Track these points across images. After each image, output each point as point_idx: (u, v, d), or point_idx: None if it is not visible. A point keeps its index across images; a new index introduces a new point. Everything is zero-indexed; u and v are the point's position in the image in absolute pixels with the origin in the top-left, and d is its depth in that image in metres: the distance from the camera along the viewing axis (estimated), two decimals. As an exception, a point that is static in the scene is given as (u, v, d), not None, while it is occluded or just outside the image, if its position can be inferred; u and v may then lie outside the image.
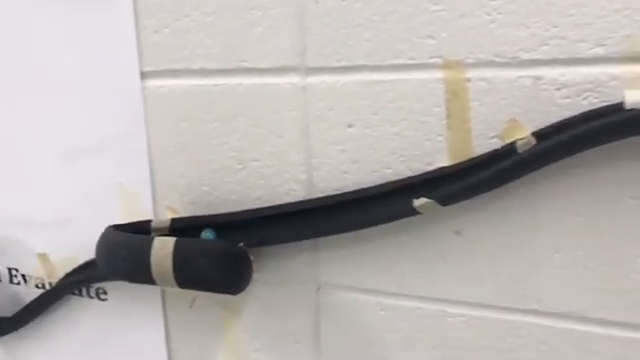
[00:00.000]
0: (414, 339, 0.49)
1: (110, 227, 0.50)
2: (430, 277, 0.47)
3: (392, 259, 0.47)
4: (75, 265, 0.62)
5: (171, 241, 0.44)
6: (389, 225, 0.46)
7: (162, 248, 0.43)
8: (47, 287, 0.64)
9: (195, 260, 0.43)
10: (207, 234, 0.53)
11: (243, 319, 0.55)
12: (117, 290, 0.61)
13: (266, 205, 0.51)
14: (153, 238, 0.45)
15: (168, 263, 0.42)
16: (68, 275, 0.61)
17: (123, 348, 0.62)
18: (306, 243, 0.51)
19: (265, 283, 0.52)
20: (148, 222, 0.53)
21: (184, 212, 0.55)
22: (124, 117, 0.56)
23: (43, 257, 0.64)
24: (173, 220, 0.53)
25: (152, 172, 0.55)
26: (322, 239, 0.50)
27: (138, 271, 0.43)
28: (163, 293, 0.58)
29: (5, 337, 0.67)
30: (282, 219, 0.49)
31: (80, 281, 0.60)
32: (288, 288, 0.52)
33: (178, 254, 0.43)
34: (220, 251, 0.44)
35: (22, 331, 0.66)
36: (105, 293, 0.61)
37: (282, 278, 0.52)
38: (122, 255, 0.44)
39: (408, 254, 0.47)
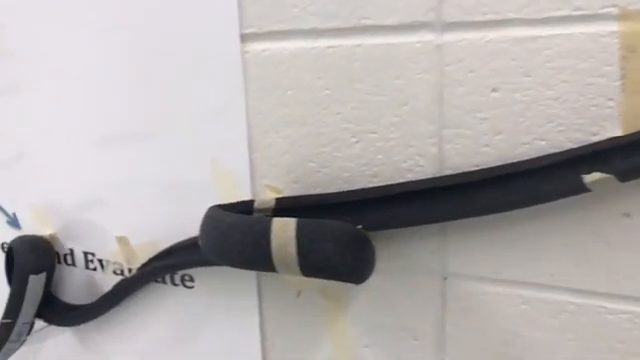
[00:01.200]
0: (564, 339, 0.42)
1: (215, 207, 0.44)
2: (589, 266, 0.40)
3: (542, 245, 0.41)
4: (157, 250, 0.57)
5: (292, 223, 0.38)
6: (538, 207, 0.40)
7: (283, 230, 0.37)
8: (126, 273, 0.60)
9: (322, 244, 0.37)
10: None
11: (351, 311, 0.49)
12: (205, 276, 0.56)
13: (384, 184, 0.45)
14: (271, 219, 0.39)
15: (291, 248, 0.37)
16: (151, 260, 0.57)
17: (211, 340, 0.57)
18: (432, 227, 0.44)
19: (381, 272, 0.46)
20: (250, 202, 0.47)
21: (287, 192, 0.49)
22: (220, 86, 0.50)
23: (123, 241, 0.59)
24: (278, 200, 0.47)
25: (251, 147, 0.50)
26: (451, 223, 0.44)
27: (257, 256, 0.38)
28: (259, 280, 0.53)
29: (80, 326, 0.63)
30: (406, 199, 0.43)
31: (165, 267, 0.55)
32: (408, 278, 0.46)
33: (303, 237, 0.37)
34: (349, 234, 0.38)
35: (99, 320, 0.62)
36: (192, 280, 0.56)
37: (401, 266, 0.46)
38: (237, 239, 0.38)
39: (564, 240, 0.40)
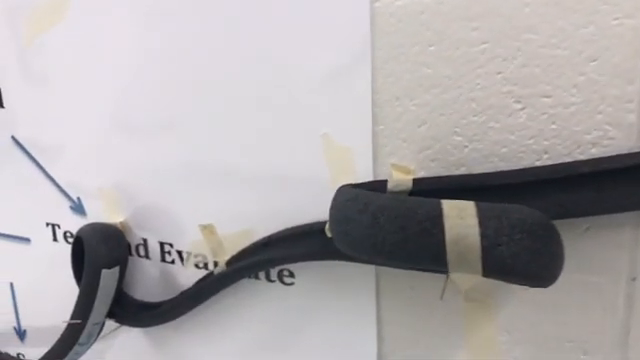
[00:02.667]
0: None
1: (348, 187, 0.36)
2: None
3: None
4: (250, 241, 0.49)
5: (470, 207, 0.29)
6: None
7: (460, 215, 0.29)
8: (211, 267, 0.52)
9: (511, 236, 0.28)
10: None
11: (499, 316, 0.41)
12: (308, 272, 0.47)
13: (556, 162, 0.36)
14: (439, 201, 0.30)
15: (473, 239, 0.28)
16: (244, 253, 0.49)
17: (313, 345, 0.48)
18: (619, 217, 0.36)
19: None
20: (382, 182, 0.39)
21: (422, 172, 0.41)
22: (338, 45, 0.41)
23: (208, 230, 0.51)
24: (416, 181, 0.39)
25: (375, 118, 0.41)
26: (646, 210, 0.35)
27: (424, 250, 0.29)
28: (378, 277, 0.44)
29: (155, 327, 0.56)
30: (592, 181, 0.34)
31: (263, 262, 0.47)
32: (580, 279, 0.37)
33: (487, 226, 0.28)
34: (542, 225, 0.29)
35: (177, 320, 0.54)
36: (291, 275, 0.48)
37: (572, 265, 0.37)
38: (394, 226, 0.30)
39: None
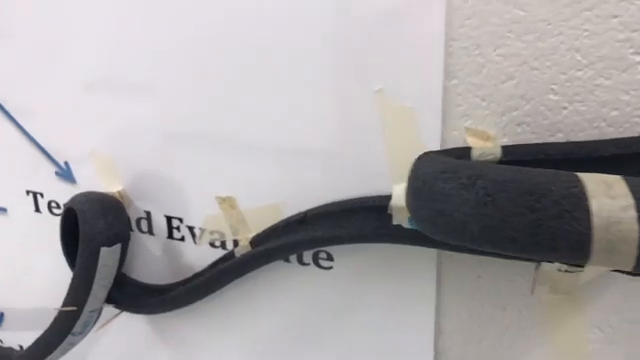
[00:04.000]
0: None
1: (433, 153, 0.29)
2: None
3: None
4: (279, 217, 0.41)
5: (619, 183, 0.23)
6: None
7: (610, 196, 0.22)
8: (229, 247, 0.45)
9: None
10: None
11: (590, 310, 0.35)
12: (349, 255, 0.41)
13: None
14: (575, 174, 0.24)
15: (630, 226, 0.22)
16: (272, 231, 0.41)
17: (358, 343, 0.42)
18: None
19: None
20: (465, 150, 0.32)
21: (504, 138, 0.34)
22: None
23: (228, 203, 0.44)
24: (505, 150, 0.32)
25: (447, 71, 0.34)
26: None
27: (557, 239, 0.22)
28: (440, 262, 0.38)
29: (161, 315, 0.49)
30: None
31: (298, 243, 0.39)
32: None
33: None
34: None
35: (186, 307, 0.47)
36: (329, 258, 0.41)
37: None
38: (519, 207, 0.23)
39: None
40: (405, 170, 0.33)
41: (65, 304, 0.44)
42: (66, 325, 0.45)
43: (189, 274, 0.47)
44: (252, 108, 0.40)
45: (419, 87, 0.35)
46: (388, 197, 0.36)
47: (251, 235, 0.43)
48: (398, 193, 0.35)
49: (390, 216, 0.36)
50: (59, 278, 0.55)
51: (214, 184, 0.44)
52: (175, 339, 0.50)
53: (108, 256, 0.43)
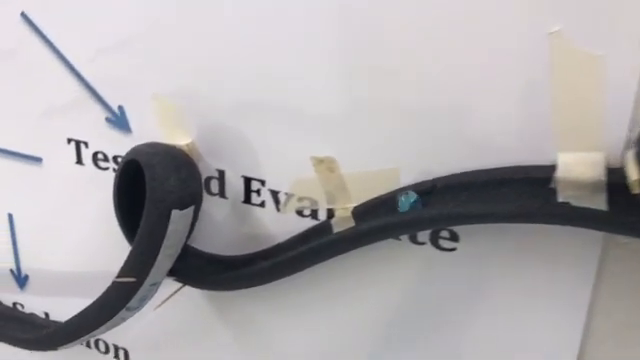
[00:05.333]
0: None
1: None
2: None
3: None
4: (392, 185, 0.34)
5: None
6: None
7: None
8: (321, 217, 0.37)
9: None
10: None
11: None
12: (478, 235, 0.34)
13: None
14: None
15: None
16: (384, 203, 0.34)
17: (483, 341, 0.36)
18: None
19: None
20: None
21: None
22: None
23: (326, 166, 0.36)
24: None
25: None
26: None
27: None
28: (604, 253, 0.31)
29: (225, 293, 0.41)
30: None
31: (421, 219, 0.32)
32: None
33: None
34: None
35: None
36: (454, 239, 0.34)
37: None
38: None
39: None
40: (578, 135, 0.27)
41: (122, 274, 0.37)
42: (121, 298, 0.38)
43: (266, 246, 0.40)
44: (357, 42, 0.33)
45: (613, 29, 0.27)
46: (550, 167, 0.29)
47: (351, 205, 0.36)
48: (567, 162, 0.29)
49: (552, 191, 0.29)
50: (97, 242, 0.48)
51: (309, 142, 0.36)
52: (238, 320, 0.43)
53: (179, 220, 0.36)
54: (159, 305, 0.40)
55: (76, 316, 0.40)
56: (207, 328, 0.44)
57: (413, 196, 0.33)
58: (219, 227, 0.41)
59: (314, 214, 0.38)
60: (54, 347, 0.44)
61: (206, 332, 0.45)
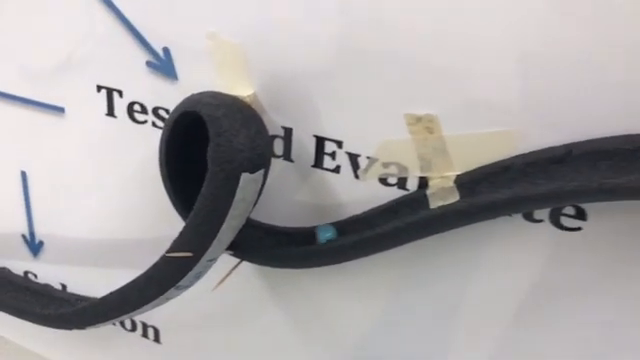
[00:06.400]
0: None
1: None
2: None
3: None
4: (513, 152, 0.29)
5: None
6: None
7: None
8: (410, 187, 0.32)
9: None
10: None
11: None
12: (612, 213, 0.29)
13: None
14: None
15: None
16: (499, 172, 0.29)
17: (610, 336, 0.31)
18: None
19: None
20: None
21: None
22: None
23: (424, 124, 0.30)
24: None
25: None
26: None
27: None
28: None
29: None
30: None
31: (551, 194, 0.27)
32: None
33: None
34: None
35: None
36: (580, 217, 0.28)
37: None
38: None
39: None
40: None
41: (176, 248, 0.31)
42: (172, 275, 0.32)
43: (336, 218, 0.34)
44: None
45: None
46: None
47: (453, 174, 0.30)
48: None
49: None
50: (126, 206, 0.42)
51: (401, 95, 0.30)
52: (292, 300, 0.38)
53: (248, 186, 0.30)
54: (218, 285, 0.34)
55: (114, 293, 0.35)
56: (254, 308, 0.39)
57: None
58: (282, 195, 0.35)
59: (401, 183, 0.32)
60: (82, 326, 0.38)
61: (253, 313, 0.40)
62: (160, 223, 0.41)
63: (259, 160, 0.30)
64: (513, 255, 0.31)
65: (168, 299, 0.34)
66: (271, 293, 0.39)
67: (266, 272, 0.38)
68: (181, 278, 0.32)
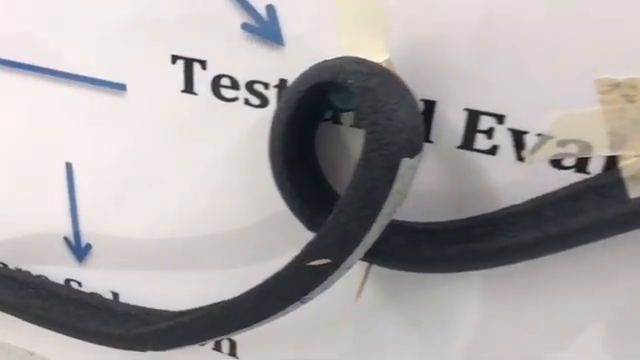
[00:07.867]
0: None
1: None
2: None
3: None
4: None
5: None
6: None
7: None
8: (592, 170, 0.26)
9: None
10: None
11: None
12: None
13: None
14: None
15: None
16: None
17: None
18: None
19: None
20: None
21: None
22: None
23: (621, 89, 0.24)
24: None
25: None
26: None
27: None
28: None
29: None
30: None
31: None
32: None
33: None
34: None
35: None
36: None
37: None
38: None
39: None
40: None
41: (311, 255, 0.25)
42: (301, 288, 0.25)
43: (492, 209, 0.28)
44: None
45: None
46: None
47: (651, 153, 0.25)
48: None
49: None
50: (199, 205, 0.36)
51: (589, 58, 0.24)
52: (410, 306, 0.32)
53: (407, 174, 0.23)
54: (358, 294, 0.28)
55: (214, 308, 0.28)
56: (352, 315, 0.33)
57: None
58: (416, 184, 0.29)
59: (580, 165, 0.26)
60: (164, 348, 0.31)
61: (354, 322, 0.34)
62: (236, 224, 0.34)
63: (419, 141, 0.24)
64: None
65: (285, 313, 0.28)
66: (380, 299, 0.33)
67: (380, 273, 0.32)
68: (310, 290, 0.26)
